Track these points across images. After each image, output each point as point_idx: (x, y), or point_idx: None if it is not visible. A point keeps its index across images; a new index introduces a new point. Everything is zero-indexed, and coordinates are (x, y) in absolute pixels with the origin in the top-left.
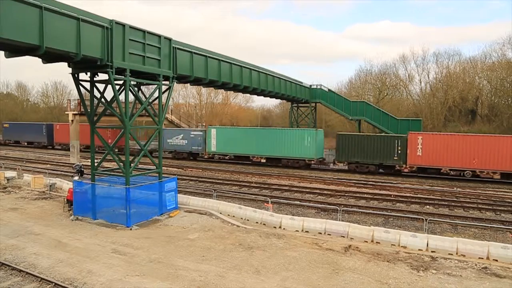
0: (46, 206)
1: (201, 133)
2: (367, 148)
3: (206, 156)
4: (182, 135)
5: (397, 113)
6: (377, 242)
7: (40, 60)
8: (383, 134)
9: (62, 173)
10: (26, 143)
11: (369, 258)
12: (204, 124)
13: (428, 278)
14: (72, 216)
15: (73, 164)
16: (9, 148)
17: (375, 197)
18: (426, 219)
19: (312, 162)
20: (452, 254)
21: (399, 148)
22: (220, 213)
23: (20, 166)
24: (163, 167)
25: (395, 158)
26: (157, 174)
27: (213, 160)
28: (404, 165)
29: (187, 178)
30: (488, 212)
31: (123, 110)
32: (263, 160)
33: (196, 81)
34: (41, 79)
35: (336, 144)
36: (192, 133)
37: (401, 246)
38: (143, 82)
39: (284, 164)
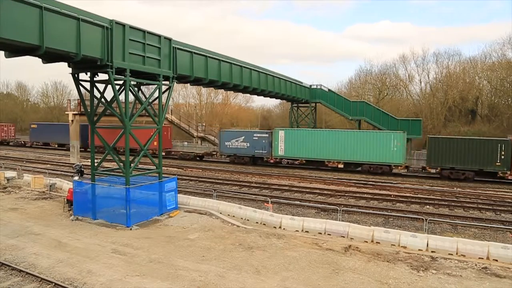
0: (46, 206)
1: (266, 135)
2: (464, 152)
3: (272, 161)
4: (243, 138)
5: (397, 113)
6: (377, 242)
7: (40, 60)
8: (483, 137)
9: (62, 173)
10: (56, 145)
11: (369, 258)
12: (204, 124)
13: (428, 278)
14: (72, 216)
15: (73, 164)
16: (9, 148)
17: (375, 197)
18: (426, 219)
19: (400, 168)
20: (452, 254)
21: (502, 153)
22: (220, 213)
23: (20, 166)
24: (163, 167)
25: (497, 164)
26: (157, 174)
27: (279, 165)
28: (508, 172)
29: (187, 178)
30: (488, 212)
31: (123, 110)
32: (341, 166)
33: (196, 81)
34: (41, 79)
35: (427, 148)
36: (255, 135)
37: (401, 246)
38: (143, 82)
39: (365, 170)
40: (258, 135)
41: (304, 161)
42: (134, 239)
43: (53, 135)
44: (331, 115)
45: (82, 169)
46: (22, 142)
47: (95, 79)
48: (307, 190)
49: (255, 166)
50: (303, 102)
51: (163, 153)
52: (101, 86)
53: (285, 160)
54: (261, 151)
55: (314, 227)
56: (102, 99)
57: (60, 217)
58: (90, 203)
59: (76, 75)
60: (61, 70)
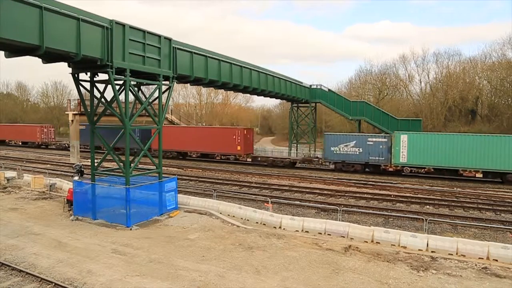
0: (46, 206)
1: (384, 139)
2: None
3: (391, 169)
4: (354, 142)
5: (397, 113)
6: (377, 242)
7: (40, 60)
8: None
9: (62, 173)
10: None
11: (369, 258)
12: (204, 124)
13: (428, 278)
14: (72, 216)
15: (73, 164)
16: (9, 148)
17: (375, 197)
18: (426, 219)
19: None
20: (452, 254)
21: None
22: (220, 213)
23: (20, 166)
24: (163, 167)
25: None
26: (157, 174)
27: (401, 175)
28: None
29: (187, 178)
30: (488, 212)
31: (123, 110)
32: (479, 175)
33: (196, 81)
34: (41, 79)
35: None
36: (370, 139)
37: (401, 246)
38: (143, 82)
39: (510, 181)
40: (374, 139)
41: (432, 170)
42: (134, 239)
43: (108, 138)
44: (331, 115)
45: (82, 169)
46: (66, 145)
47: (95, 79)
48: (307, 190)
49: (368, 174)
50: (303, 102)
51: (249, 160)
52: (101, 86)
53: (408, 169)
54: (377, 158)
55: (314, 227)
56: (102, 99)
57: (60, 217)
58: (90, 203)
59: (76, 75)
60: (61, 70)
